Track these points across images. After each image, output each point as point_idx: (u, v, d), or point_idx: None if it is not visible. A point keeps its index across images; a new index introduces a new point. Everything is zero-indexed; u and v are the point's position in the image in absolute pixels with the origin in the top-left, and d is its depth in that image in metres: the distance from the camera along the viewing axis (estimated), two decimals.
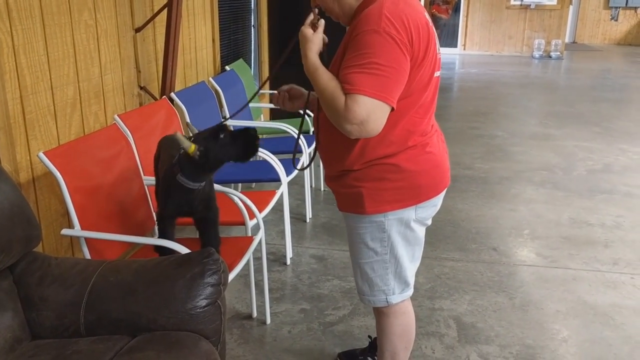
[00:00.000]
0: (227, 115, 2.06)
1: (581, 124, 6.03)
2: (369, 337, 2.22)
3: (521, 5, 11.50)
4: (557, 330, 2.41)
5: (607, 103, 7.11)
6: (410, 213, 1.62)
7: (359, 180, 1.59)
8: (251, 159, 1.85)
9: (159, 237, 2.04)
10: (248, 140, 1.78)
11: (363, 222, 1.64)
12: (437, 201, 1.68)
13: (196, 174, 1.85)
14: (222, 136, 1.77)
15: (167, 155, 2.05)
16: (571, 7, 12.29)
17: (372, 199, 1.58)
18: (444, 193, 1.69)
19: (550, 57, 11.32)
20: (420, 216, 1.65)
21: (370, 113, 1.40)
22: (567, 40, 12.86)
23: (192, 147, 1.76)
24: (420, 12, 1.51)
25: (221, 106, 3.62)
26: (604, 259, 3.05)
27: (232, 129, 1.84)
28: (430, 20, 1.56)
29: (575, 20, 13.90)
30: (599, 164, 4.67)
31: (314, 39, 1.53)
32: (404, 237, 1.66)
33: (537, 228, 3.44)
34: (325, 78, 1.47)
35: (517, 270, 2.92)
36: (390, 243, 1.65)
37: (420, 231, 1.70)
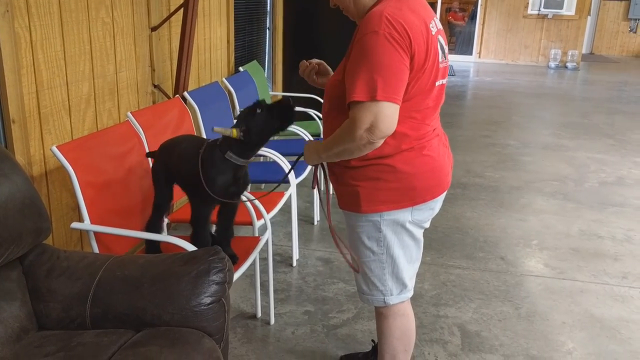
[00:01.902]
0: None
1: (595, 135, 5.99)
2: (372, 341, 2.23)
3: (538, 14, 11.44)
4: (563, 342, 2.40)
5: (622, 115, 7.04)
6: (405, 215, 1.63)
7: (356, 179, 1.62)
8: (289, 126, 1.93)
9: (197, 231, 2.05)
10: (283, 109, 1.87)
11: (360, 221, 1.66)
12: (434, 204, 1.69)
13: (244, 151, 1.93)
14: (259, 111, 1.86)
15: (185, 152, 2.07)
16: (589, 18, 12.20)
17: (368, 199, 1.61)
18: (442, 197, 1.70)
19: (566, 67, 11.24)
20: (417, 218, 1.66)
21: (378, 114, 1.43)
22: (584, 51, 12.77)
23: (234, 132, 1.87)
24: (424, 19, 1.52)
25: (233, 107, 3.65)
26: (613, 272, 3.02)
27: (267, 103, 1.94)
28: (436, 27, 1.57)
29: (593, 31, 13.79)
30: (611, 177, 4.63)
31: (307, 145, 1.69)
32: (400, 238, 1.67)
33: (546, 239, 3.42)
34: (329, 139, 1.59)
35: (524, 281, 2.91)
36: (386, 243, 1.66)
37: (418, 233, 1.71)
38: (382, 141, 1.50)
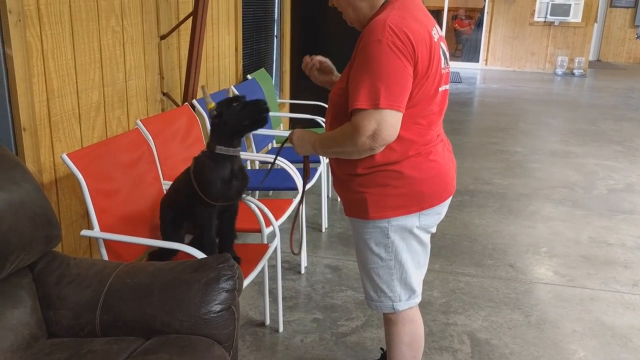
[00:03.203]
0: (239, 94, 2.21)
1: (603, 142, 5.96)
2: (381, 349, 2.21)
3: (545, 22, 11.43)
4: (574, 351, 2.37)
5: (630, 122, 7.01)
6: (413, 220, 1.63)
7: (363, 185, 1.62)
8: (262, 127, 2.08)
9: (203, 236, 2.09)
10: (257, 108, 2.04)
11: (367, 228, 1.66)
12: (441, 209, 1.69)
13: (226, 139, 2.05)
14: (234, 104, 2.04)
15: (180, 183, 2.18)
16: (596, 25, 12.17)
17: (376, 205, 1.61)
18: (448, 202, 1.71)
19: (573, 74, 11.21)
20: (424, 223, 1.66)
21: (381, 122, 1.45)
22: (590, 58, 12.73)
23: (211, 104, 2.04)
24: (426, 27, 1.54)
25: None
26: (624, 280, 3.00)
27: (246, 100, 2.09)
28: (437, 34, 1.58)
29: (600, 38, 13.76)
30: (620, 184, 4.60)
31: (298, 134, 1.72)
32: (408, 243, 1.67)
33: (555, 246, 3.40)
34: (326, 137, 1.62)
35: (534, 288, 2.89)
36: (394, 249, 1.66)
37: (425, 238, 1.71)
38: (383, 147, 1.51)
